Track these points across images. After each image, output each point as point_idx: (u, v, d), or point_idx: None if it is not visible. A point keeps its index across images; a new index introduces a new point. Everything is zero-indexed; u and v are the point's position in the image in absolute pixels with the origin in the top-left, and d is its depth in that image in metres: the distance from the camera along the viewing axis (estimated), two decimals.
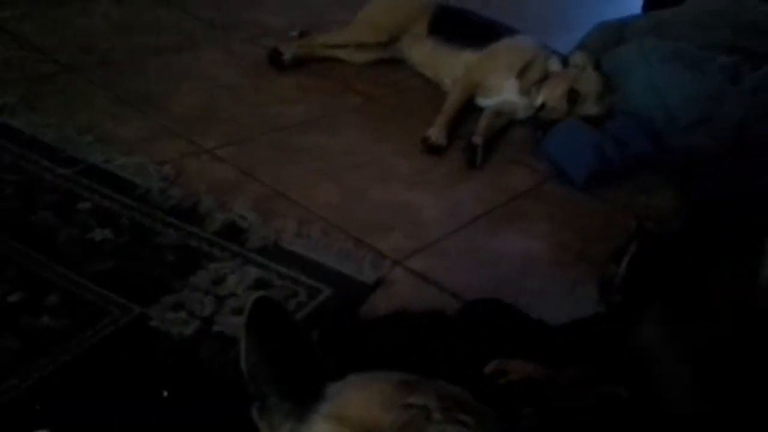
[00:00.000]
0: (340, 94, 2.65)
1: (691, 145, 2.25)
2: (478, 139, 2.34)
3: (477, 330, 1.55)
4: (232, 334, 1.47)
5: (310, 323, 1.55)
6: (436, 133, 2.37)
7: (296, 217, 1.91)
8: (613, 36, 2.79)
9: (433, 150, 2.33)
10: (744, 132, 2.15)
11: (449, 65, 2.70)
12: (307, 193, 2.02)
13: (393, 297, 1.72)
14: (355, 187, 2.11)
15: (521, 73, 2.55)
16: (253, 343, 0.80)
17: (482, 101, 2.61)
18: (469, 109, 2.56)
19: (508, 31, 2.71)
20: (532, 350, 1.47)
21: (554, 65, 2.51)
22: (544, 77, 2.50)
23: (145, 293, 1.56)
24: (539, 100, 2.47)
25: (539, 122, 2.44)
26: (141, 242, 1.70)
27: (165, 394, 1.29)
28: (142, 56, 2.71)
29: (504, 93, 2.57)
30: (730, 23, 2.77)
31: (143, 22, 3.01)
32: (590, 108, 2.42)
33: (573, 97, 2.42)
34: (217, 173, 2.05)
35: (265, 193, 1.99)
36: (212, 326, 1.50)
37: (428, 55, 2.79)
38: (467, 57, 2.66)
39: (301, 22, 3.10)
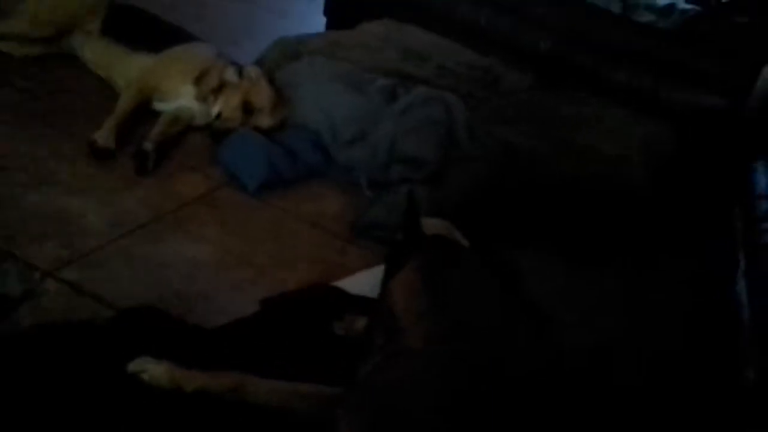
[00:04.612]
0: None
1: (352, 159, 2.46)
2: (149, 145, 2.29)
3: (129, 338, 1.53)
4: None
5: None
6: (104, 136, 2.26)
7: None
8: (290, 52, 2.94)
9: (100, 154, 2.22)
10: (393, 148, 2.41)
11: (123, 66, 2.59)
12: None
13: (42, 310, 1.61)
14: (7, 193, 1.93)
15: (198, 80, 2.55)
16: None
17: (159, 105, 2.56)
18: (146, 113, 2.49)
19: (186, 37, 2.70)
20: (184, 353, 1.50)
21: (230, 75, 2.55)
22: (221, 86, 2.53)
23: None
24: (215, 110, 2.49)
25: (214, 131, 2.47)
26: None
27: None
28: None
29: (180, 98, 2.55)
30: (396, 48, 3.10)
31: None
32: (263, 120, 2.52)
33: (248, 108, 2.49)
34: None
35: None
36: None
37: (101, 54, 2.65)
38: (142, 60, 2.58)
39: None
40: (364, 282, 1.90)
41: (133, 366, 1.45)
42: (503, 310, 1.61)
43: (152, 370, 1.44)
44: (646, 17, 3.32)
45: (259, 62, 2.82)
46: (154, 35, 2.66)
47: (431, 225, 1.87)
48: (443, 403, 1.32)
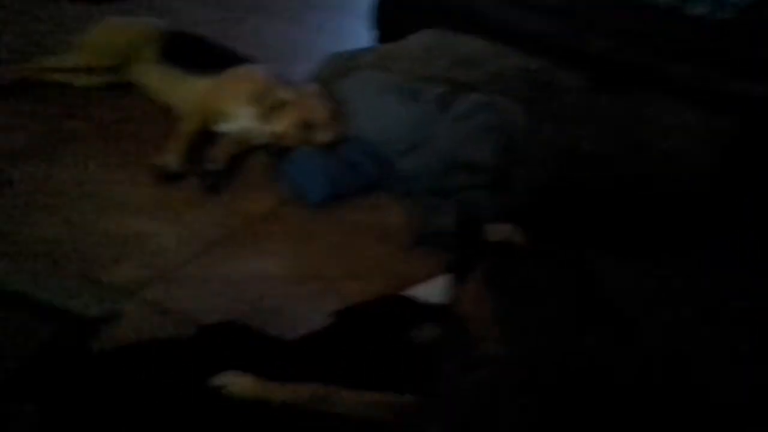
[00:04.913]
0: (64, 121, 2.48)
1: (410, 168, 2.47)
2: (214, 166, 2.35)
3: (212, 353, 1.56)
4: None
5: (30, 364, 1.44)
6: (170, 159, 2.33)
7: (11, 253, 1.75)
8: (343, 67, 2.98)
9: (168, 177, 2.29)
10: (451, 155, 2.42)
11: (183, 91, 2.66)
12: (29, 228, 1.87)
13: (127, 330, 1.66)
14: (82, 218, 2.00)
15: (256, 101, 2.60)
16: None
17: (220, 127, 2.62)
18: (209, 135, 2.56)
19: (242, 59, 2.76)
20: (267, 366, 1.52)
21: (288, 94, 2.60)
22: (279, 105, 2.58)
23: None
24: (274, 129, 2.54)
25: (275, 149, 2.52)
26: None
27: None
28: None
29: (240, 120, 2.60)
30: (446, 57, 3.11)
31: None
32: (322, 135, 2.55)
33: (306, 125, 2.53)
34: None
35: None
36: None
37: (161, 81, 2.73)
38: (201, 84, 2.64)
39: (20, 45, 2.85)
40: (435, 290, 1.90)
41: (217, 380, 1.48)
42: (574, 312, 1.60)
43: (237, 383, 1.47)
44: (699, 9, 3.25)
45: (313, 80, 2.87)
46: (211, 59, 2.72)
47: (497, 231, 1.87)
48: (523, 408, 1.32)
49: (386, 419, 1.46)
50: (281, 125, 2.53)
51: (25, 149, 2.25)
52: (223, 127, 2.60)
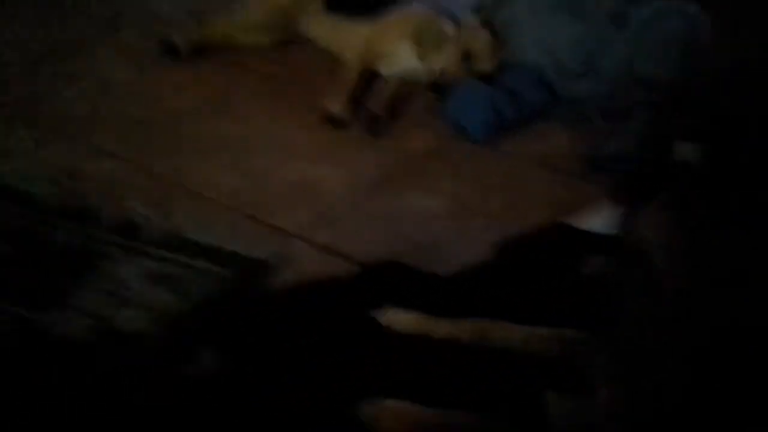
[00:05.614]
0: (240, 78, 2.62)
1: (581, 91, 2.32)
2: (379, 108, 2.37)
3: (374, 291, 1.60)
4: (134, 332, 1.49)
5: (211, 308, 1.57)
6: (337, 105, 2.39)
7: (196, 206, 1.92)
8: None
9: (335, 123, 2.36)
10: (628, 71, 2.22)
11: (347, 38, 2.69)
12: (207, 181, 2.03)
13: (299, 273, 1.75)
14: (258, 169, 2.12)
15: (417, 40, 2.57)
16: None
17: (383, 70, 2.63)
18: (372, 78, 2.58)
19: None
20: (425, 302, 1.53)
21: (447, 28, 2.54)
22: (440, 41, 2.53)
23: (41, 298, 1.55)
24: (437, 65, 2.50)
25: (438, 86, 2.48)
26: (35, 249, 1.68)
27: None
28: (32, 60, 2.62)
29: (403, 60, 2.59)
30: None
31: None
32: (484, 66, 2.46)
33: (466, 56, 2.46)
34: (113, 171, 2.04)
35: (162, 186, 1.99)
36: (113, 324, 1.51)
37: (326, 30, 2.78)
38: (364, 28, 2.67)
39: (195, 9, 3.04)
40: (601, 219, 1.78)
41: (380, 316, 1.52)
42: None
43: (399, 319, 1.49)
44: None
45: (474, 9, 2.76)
46: (372, 3, 2.72)
47: (683, 151, 1.70)
48: (702, 351, 1.20)
49: (553, 354, 1.41)
50: (442, 60, 2.48)
51: (203, 106, 2.41)
52: (386, 69, 2.61)
